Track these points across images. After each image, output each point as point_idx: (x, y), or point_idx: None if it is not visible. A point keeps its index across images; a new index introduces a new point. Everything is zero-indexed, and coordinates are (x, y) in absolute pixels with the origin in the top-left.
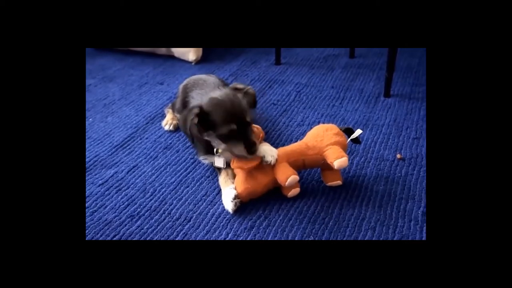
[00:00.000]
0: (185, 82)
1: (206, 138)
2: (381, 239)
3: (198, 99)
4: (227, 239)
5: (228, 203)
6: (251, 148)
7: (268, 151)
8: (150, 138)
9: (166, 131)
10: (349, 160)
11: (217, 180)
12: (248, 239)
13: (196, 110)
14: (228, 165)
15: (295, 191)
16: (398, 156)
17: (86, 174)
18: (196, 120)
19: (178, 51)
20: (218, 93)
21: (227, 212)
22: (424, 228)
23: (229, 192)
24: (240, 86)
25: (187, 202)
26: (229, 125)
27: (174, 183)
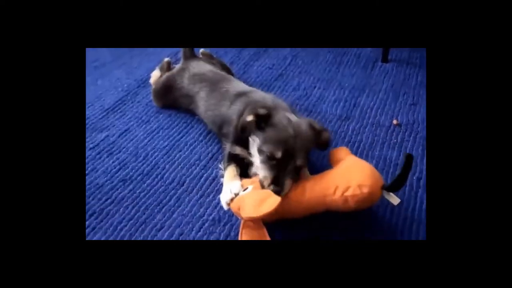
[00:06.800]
0: (192, 68)
1: (250, 138)
2: (375, 206)
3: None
4: (230, 239)
5: (226, 196)
6: (276, 184)
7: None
8: (142, 102)
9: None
10: (344, 126)
11: (222, 157)
12: None
13: (262, 111)
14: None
15: None
16: (395, 122)
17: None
18: (253, 122)
19: None
20: (294, 117)
21: (222, 176)
22: (419, 193)
23: (234, 185)
24: (316, 126)
25: (180, 166)
26: (276, 149)
27: (167, 147)
